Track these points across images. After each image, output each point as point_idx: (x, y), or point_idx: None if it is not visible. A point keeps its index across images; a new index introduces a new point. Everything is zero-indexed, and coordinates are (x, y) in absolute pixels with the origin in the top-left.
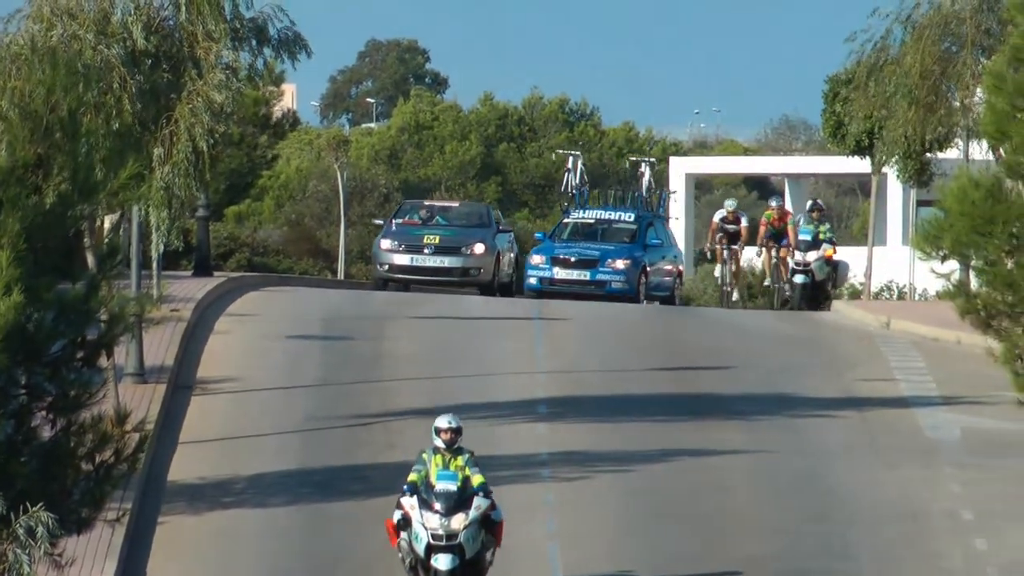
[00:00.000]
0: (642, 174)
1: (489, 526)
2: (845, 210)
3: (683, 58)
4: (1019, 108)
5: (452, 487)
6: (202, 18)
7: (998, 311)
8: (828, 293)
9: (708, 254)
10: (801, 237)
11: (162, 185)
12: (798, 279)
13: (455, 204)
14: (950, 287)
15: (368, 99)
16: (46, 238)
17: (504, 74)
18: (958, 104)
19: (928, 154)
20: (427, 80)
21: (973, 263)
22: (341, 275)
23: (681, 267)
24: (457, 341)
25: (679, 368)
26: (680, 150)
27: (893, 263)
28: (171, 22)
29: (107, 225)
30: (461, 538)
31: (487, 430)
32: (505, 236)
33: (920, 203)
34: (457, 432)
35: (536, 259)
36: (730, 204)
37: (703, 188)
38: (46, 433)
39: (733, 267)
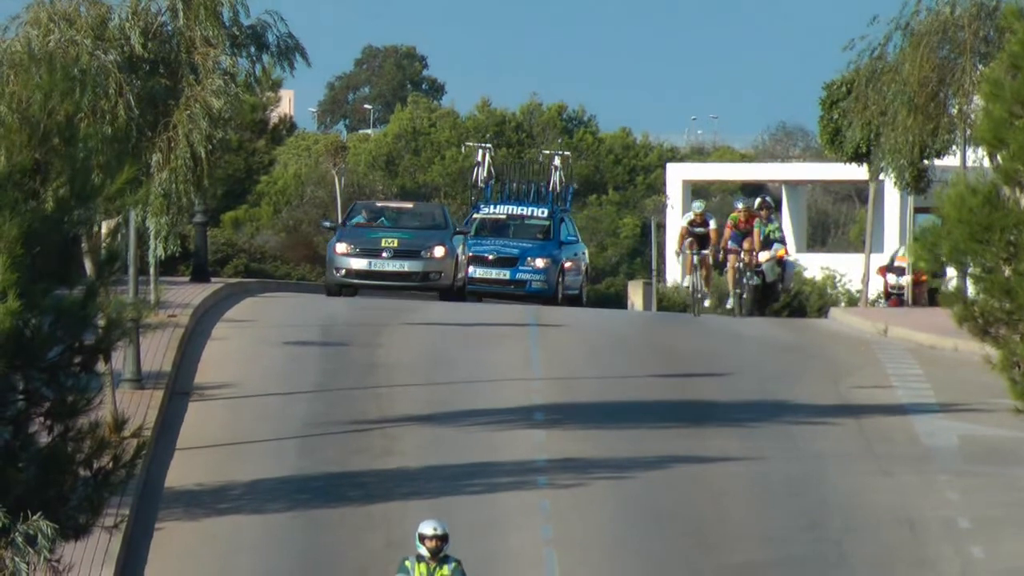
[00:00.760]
0: (555, 167)
1: None
2: (842, 217)
3: (681, 65)
4: (1016, 115)
5: None
6: (200, 24)
7: (995, 318)
8: (777, 295)
9: (677, 260)
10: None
11: (160, 191)
12: (752, 280)
13: (409, 205)
14: (947, 294)
15: (365, 105)
16: (44, 243)
17: (501, 80)
18: (956, 111)
19: (925, 161)
20: (424, 86)
21: (971, 270)
22: None
23: (587, 264)
24: (453, 347)
25: (675, 375)
26: (677, 156)
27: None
28: (169, 28)
29: (105, 231)
30: None
31: (483, 437)
32: (461, 238)
33: (917, 210)
34: (443, 539)
35: None
36: (697, 206)
37: (700, 194)
38: (44, 439)
39: (704, 272)
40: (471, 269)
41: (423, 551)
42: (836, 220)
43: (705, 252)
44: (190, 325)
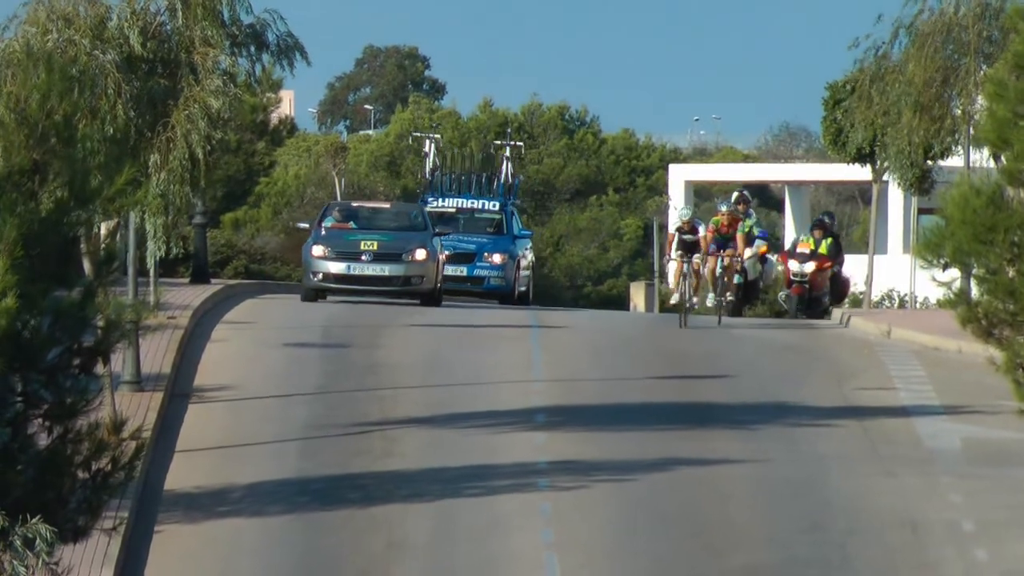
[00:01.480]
0: (506, 158)
1: None
2: (846, 218)
3: (684, 65)
4: (1020, 115)
5: None
6: (199, 23)
7: (999, 320)
8: (758, 293)
9: (666, 268)
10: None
11: (158, 192)
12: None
13: (386, 205)
14: (951, 295)
15: (366, 106)
16: (42, 244)
17: (503, 81)
18: (960, 112)
19: (929, 162)
20: (425, 87)
21: (974, 271)
22: None
23: (533, 259)
24: (454, 349)
25: (677, 376)
26: (680, 157)
27: (894, 271)
28: (167, 27)
29: (104, 232)
30: None
31: (484, 439)
32: (439, 239)
33: (921, 211)
34: None
35: None
36: (685, 213)
37: (702, 195)
38: (42, 441)
39: (693, 280)
40: None
41: None
42: (839, 221)
43: (695, 259)
44: (190, 327)
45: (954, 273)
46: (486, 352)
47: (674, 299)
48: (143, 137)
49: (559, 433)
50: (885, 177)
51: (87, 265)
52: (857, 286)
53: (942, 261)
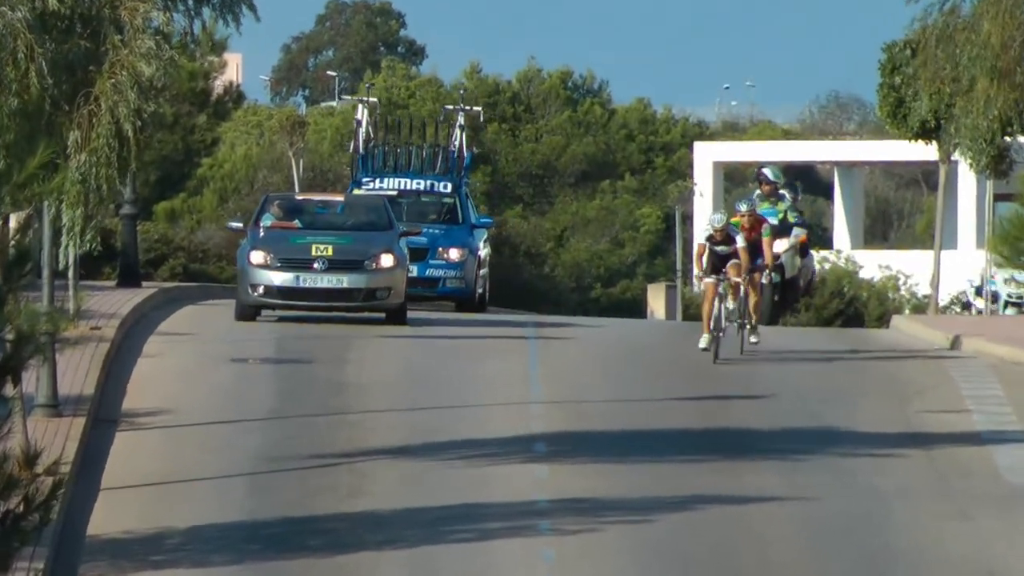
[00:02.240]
0: (460, 127)
1: None
2: (907, 205)
3: (710, 23)
4: None
5: None
6: None
7: None
8: (798, 294)
9: (698, 286)
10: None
11: (78, 176)
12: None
13: (339, 198)
14: None
15: (329, 72)
16: None
17: (494, 42)
18: None
19: (1008, 138)
20: (400, 49)
21: None
22: None
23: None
24: (437, 364)
25: (704, 397)
26: (706, 133)
27: (965, 270)
28: None
29: (13, 225)
30: None
31: (473, 472)
32: (406, 240)
33: (998, 197)
34: None
35: None
36: (717, 219)
37: (734, 179)
38: None
39: (730, 304)
40: None
41: None
42: (900, 210)
43: (735, 279)
44: (117, 339)
45: None
46: (475, 368)
47: (702, 341)
48: (60, 110)
49: (563, 465)
50: (954, 157)
51: None
52: (921, 287)
53: (1023, 258)
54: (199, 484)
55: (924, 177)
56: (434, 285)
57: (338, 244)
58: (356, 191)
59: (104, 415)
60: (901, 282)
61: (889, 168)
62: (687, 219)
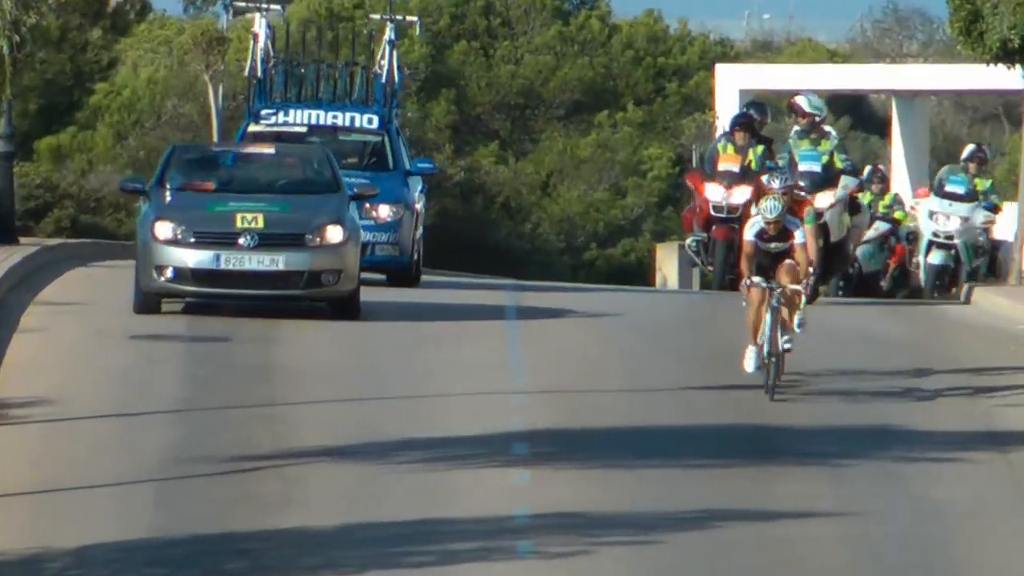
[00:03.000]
0: (390, 43)
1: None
2: (984, 145)
3: None
4: None
5: None
6: None
7: None
8: (847, 262)
9: (743, 301)
10: (805, 166)
11: None
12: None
13: (269, 150)
14: None
15: None
16: None
17: None
18: None
19: None
20: None
21: None
22: None
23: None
24: (389, 345)
25: (726, 387)
26: (731, 54)
27: None
28: None
29: None
30: None
31: (435, 479)
32: (358, 206)
33: None
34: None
35: None
36: (771, 209)
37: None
38: None
39: (788, 313)
40: None
41: None
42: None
43: (792, 287)
44: None
45: None
46: (439, 350)
47: (749, 362)
48: None
49: (549, 471)
50: None
51: None
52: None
53: None
54: (90, 493)
55: (1005, 111)
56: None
57: (271, 212)
58: (252, 127)
59: None
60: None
61: (961, 99)
62: (704, 160)
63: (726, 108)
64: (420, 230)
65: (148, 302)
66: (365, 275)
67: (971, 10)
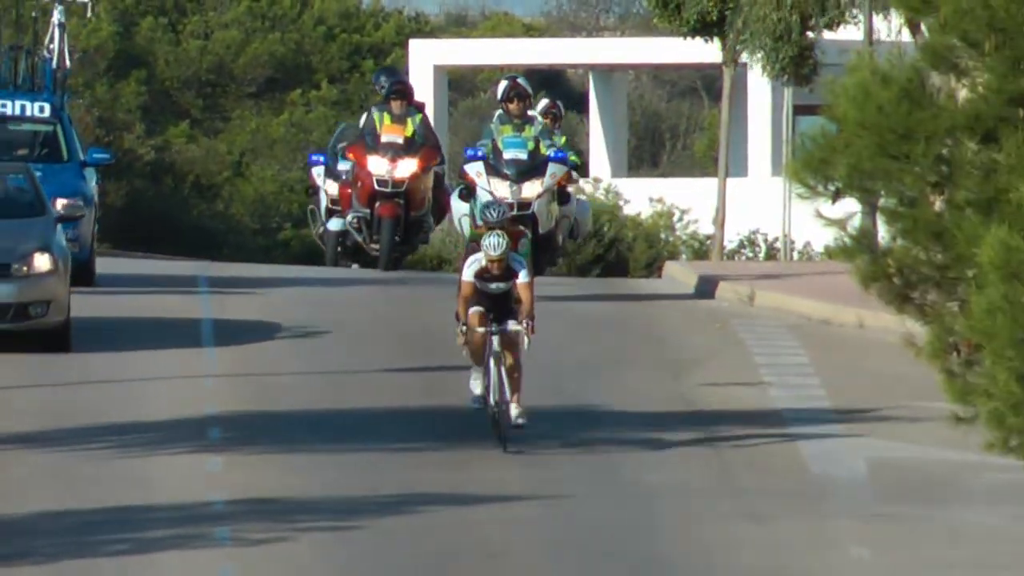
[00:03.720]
0: (57, 25)
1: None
2: (683, 121)
3: None
4: None
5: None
6: None
7: (921, 276)
8: (556, 253)
9: (462, 350)
10: (510, 154)
11: None
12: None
13: None
14: (846, 240)
15: None
16: None
17: None
18: None
19: (810, 34)
20: None
21: (882, 202)
22: None
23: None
24: (83, 334)
25: (428, 368)
26: (426, 29)
27: (758, 203)
28: None
29: None
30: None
31: (129, 465)
32: (67, 228)
33: (799, 109)
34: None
35: None
36: (495, 246)
37: (461, 88)
38: None
39: (507, 362)
40: None
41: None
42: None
43: (510, 329)
44: None
45: (851, 205)
46: (123, 328)
47: (477, 383)
48: None
49: (243, 456)
50: (743, 58)
51: None
52: (702, 225)
53: (832, 187)
54: None
55: (704, 85)
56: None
57: None
58: None
59: None
60: (676, 219)
61: (659, 73)
62: None
63: (422, 84)
64: (95, 225)
65: None
66: None
67: None
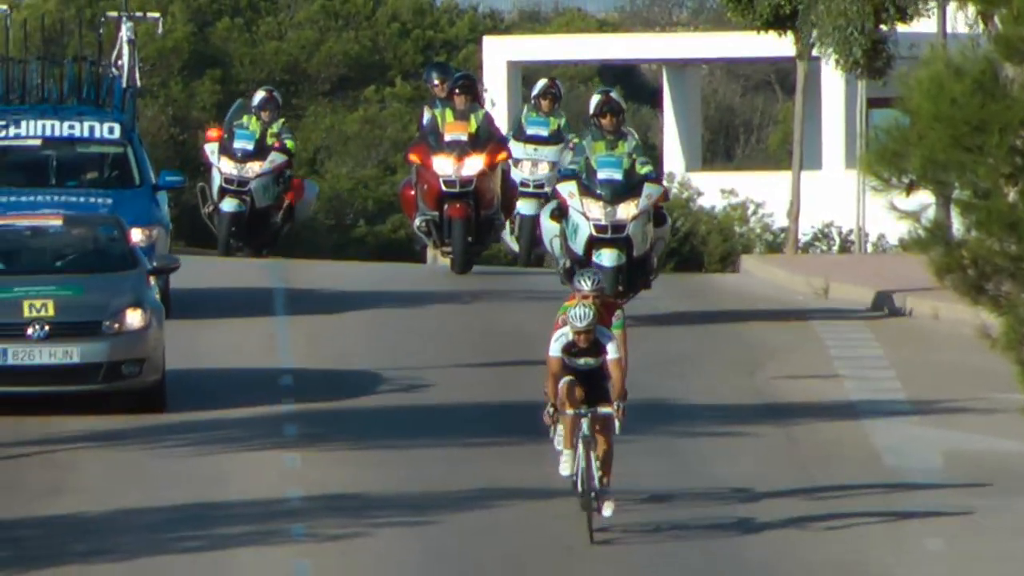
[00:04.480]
0: (127, 41)
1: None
2: (757, 115)
3: None
4: None
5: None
6: None
7: (995, 268)
8: (650, 276)
9: (551, 432)
10: (604, 174)
11: None
12: (606, 260)
13: (56, 221)
14: (920, 232)
15: None
16: None
17: None
18: None
19: (883, 28)
20: None
21: (956, 194)
22: None
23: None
24: None
25: (504, 363)
26: (500, 26)
27: (832, 196)
28: None
29: None
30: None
31: (206, 462)
32: (159, 282)
33: (872, 103)
34: None
35: None
36: (581, 317)
37: (534, 83)
38: None
39: (601, 448)
40: None
41: None
42: (747, 120)
43: (601, 413)
44: None
45: (925, 198)
46: (204, 327)
47: (565, 466)
48: None
49: (320, 452)
50: (815, 52)
51: None
52: (777, 219)
53: (905, 179)
54: None
55: (778, 79)
56: None
57: (61, 296)
58: None
59: None
60: (751, 212)
61: (733, 67)
62: None
63: (495, 81)
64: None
65: None
66: None
67: None
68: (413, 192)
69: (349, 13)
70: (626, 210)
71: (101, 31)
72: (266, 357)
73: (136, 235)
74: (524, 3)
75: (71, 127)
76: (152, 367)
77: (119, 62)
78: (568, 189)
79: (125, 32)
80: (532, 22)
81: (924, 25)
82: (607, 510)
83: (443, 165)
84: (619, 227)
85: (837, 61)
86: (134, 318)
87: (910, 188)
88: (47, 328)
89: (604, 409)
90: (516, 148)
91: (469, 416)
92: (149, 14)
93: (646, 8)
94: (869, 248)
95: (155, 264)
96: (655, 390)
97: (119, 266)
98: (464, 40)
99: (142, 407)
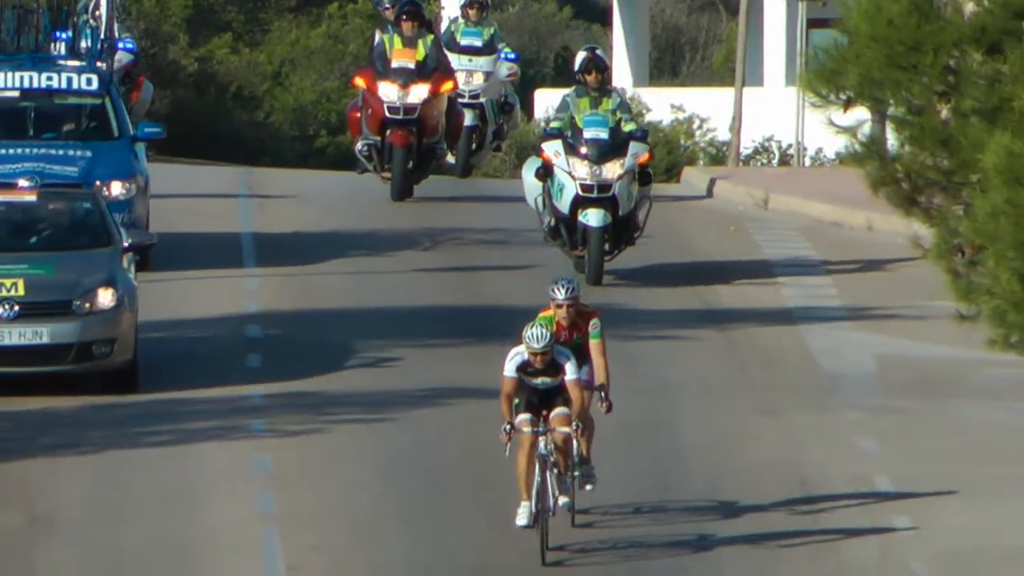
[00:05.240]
0: None
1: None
2: (702, 34)
3: None
4: None
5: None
6: None
7: (927, 181)
8: (634, 235)
9: (504, 446)
10: (590, 133)
11: None
12: (593, 220)
13: (31, 197)
14: (857, 146)
15: None
16: None
17: None
18: None
19: None
20: None
21: (891, 111)
22: None
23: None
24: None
25: (457, 268)
26: None
27: (772, 112)
28: None
29: None
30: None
31: (169, 358)
32: (129, 257)
33: (812, 23)
34: None
35: None
36: (538, 337)
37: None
38: None
39: (561, 463)
40: None
41: None
42: (693, 39)
43: (558, 434)
44: None
45: (861, 114)
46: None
47: (521, 517)
48: None
49: (282, 352)
50: None
51: None
52: (720, 133)
53: (843, 97)
54: None
55: None
56: None
57: (31, 275)
58: None
59: None
60: (696, 127)
61: None
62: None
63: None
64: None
65: None
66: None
67: None
68: (358, 115)
69: None
70: (612, 169)
71: None
72: (229, 260)
73: (116, 188)
74: None
75: (49, 79)
76: (123, 347)
77: (97, 13)
78: (553, 148)
79: None
80: None
81: None
82: (588, 485)
83: (388, 91)
84: (605, 187)
85: None
86: (105, 297)
87: (847, 105)
88: (17, 308)
89: (561, 429)
90: (451, 59)
91: (422, 318)
92: None
93: None
94: (808, 162)
95: (131, 241)
96: (601, 295)
97: (93, 243)
98: None
99: (112, 389)
